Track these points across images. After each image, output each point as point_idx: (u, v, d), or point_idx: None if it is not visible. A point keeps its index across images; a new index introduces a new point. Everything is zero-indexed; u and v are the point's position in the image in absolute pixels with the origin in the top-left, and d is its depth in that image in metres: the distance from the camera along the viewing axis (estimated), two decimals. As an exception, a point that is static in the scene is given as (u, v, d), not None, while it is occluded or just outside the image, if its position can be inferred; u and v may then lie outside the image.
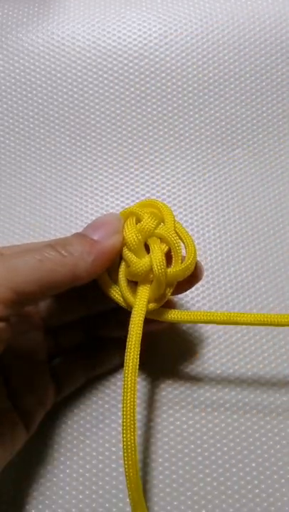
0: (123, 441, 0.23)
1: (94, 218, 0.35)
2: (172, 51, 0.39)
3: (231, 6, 0.40)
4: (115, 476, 0.28)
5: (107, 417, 0.30)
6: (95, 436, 0.29)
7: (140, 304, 0.25)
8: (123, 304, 0.26)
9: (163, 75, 0.39)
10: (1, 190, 0.37)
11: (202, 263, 0.34)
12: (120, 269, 0.26)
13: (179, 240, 0.26)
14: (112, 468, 0.28)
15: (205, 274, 0.33)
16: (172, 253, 0.26)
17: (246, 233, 0.35)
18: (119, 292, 0.26)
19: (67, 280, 0.22)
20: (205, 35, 0.39)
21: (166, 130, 0.38)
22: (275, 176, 0.37)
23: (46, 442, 0.29)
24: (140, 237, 0.25)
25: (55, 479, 0.28)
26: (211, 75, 0.39)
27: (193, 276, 0.27)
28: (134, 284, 0.26)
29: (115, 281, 0.26)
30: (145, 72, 0.39)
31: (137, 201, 0.36)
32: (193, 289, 0.33)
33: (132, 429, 0.23)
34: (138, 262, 0.25)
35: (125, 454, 0.23)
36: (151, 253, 0.25)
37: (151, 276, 0.25)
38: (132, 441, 0.23)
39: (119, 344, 0.30)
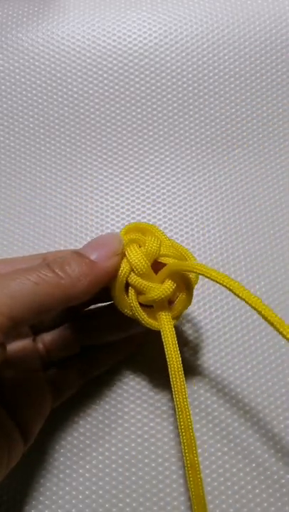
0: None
1: (94, 218, 0.36)
2: (172, 51, 0.39)
3: (231, 6, 0.40)
4: (115, 476, 0.28)
5: (107, 417, 0.30)
6: (94, 437, 0.29)
7: (168, 331, 0.25)
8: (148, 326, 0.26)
9: (163, 74, 0.39)
10: (1, 190, 0.37)
11: (203, 263, 0.34)
12: (131, 296, 0.25)
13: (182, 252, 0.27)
14: (112, 468, 0.28)
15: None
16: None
17: (246, 233, 0.35)
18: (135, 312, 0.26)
19: (62, 302, 0.22)
20: (205, 35, 0.39)
21: (166, 130, 0.38)
22: (275, 176, 0.37)
23: (46, 442, 0.29)
24: (148, 262, 0.25)
25: (54, 479, 0.28)
26: (211, 74, 0.39)
27: None
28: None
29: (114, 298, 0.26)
30: (145, 72, 0.39)
31: (137, 201, 0.36)
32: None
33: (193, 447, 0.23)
34: (157, 287, 0.25)
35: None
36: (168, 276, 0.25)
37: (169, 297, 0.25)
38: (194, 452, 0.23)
39: (113, 343, 0.30)
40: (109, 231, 0.36)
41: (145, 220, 0.36)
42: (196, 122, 0.38)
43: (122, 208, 0.36)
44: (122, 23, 0.40)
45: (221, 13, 0.40)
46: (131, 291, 0.25)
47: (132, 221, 0.36)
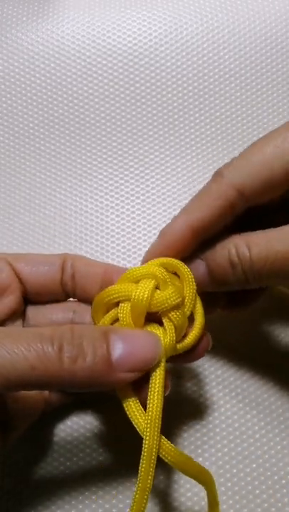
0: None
1: (94, 218, 0.36)
2: (172, 51, 0.39)
3: (231, 5, 0.40)
4: (115, 476, 0.28)
5: (104, 411, 0.30)
6: (94, 437, 0.29)
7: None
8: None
9: (163, 74, 0.39)
10: (1, 190, 0.37)
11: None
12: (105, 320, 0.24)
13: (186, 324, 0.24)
14: (112, 468, 0.28)
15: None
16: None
17: (246, 233, 0.35)
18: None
19: (56, 388, 0.20)
20: (205, 34, 0.39)
21: (166, 130, 0.38)
22: (275, 176, 0.37)
23: (45, 441, 0.29)
24: (144, 311, 0.22)
25: (54, 479, 0.28)
26: (211, 74, 0.39)
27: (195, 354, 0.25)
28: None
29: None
30: (145, 71, 0.39)
31: (137, 201, 0.36)
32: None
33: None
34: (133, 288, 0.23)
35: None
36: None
37: None
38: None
39: None
40: (109, 231, 0.35)
41: (145, 220, 0.36)
42: (196, 122, 0.38)
43: (122, 207, 0.36)
44: (122, 22, 0.40)
45: (221, 13, 0.40)
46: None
47: (131, 221, 0.36)
